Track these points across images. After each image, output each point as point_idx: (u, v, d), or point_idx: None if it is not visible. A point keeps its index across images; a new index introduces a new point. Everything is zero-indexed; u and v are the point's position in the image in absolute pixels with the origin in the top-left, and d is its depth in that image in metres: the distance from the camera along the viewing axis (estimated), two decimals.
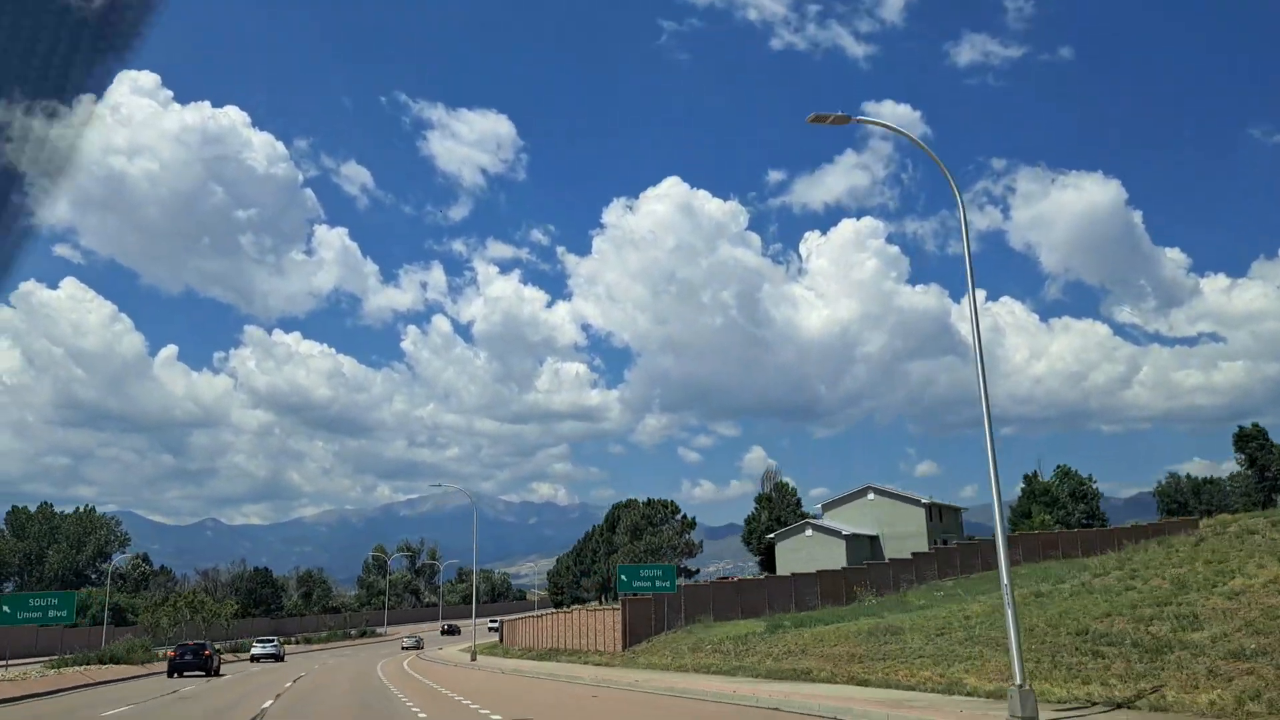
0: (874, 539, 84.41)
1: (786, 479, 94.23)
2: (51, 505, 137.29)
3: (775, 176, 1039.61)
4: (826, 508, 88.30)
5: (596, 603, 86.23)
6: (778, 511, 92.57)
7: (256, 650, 73.41)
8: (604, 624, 46.57)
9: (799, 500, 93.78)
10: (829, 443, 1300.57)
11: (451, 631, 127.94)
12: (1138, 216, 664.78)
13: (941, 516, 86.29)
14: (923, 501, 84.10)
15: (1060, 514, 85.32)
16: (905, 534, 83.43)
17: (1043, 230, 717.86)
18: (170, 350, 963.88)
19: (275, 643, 75.45)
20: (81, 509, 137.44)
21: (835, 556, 77.20)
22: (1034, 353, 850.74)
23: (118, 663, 49.64)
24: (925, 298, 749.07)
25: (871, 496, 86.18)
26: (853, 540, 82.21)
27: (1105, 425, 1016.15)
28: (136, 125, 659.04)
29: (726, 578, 77.06)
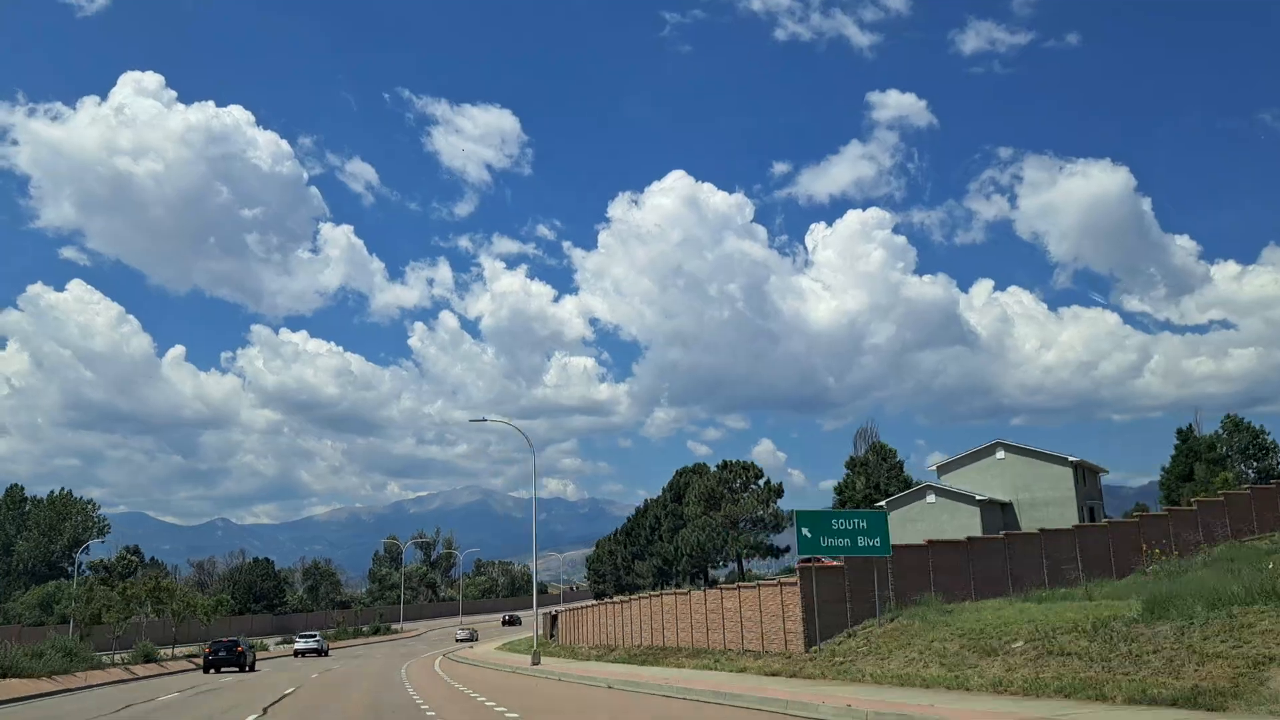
0: (1006, 506, 67.57)
1: (884, 441, 77.19)
2: (23, 488, 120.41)
3: (780, 168, 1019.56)
4: (942, 470, 71.28)
5: (683, 586, 70.17)
6: (875, 477, 75.64)
7: (299, 645, 73.12)
8: (764, 608, 29.44)
9: (900, 464, 76.88)
10: (839, 435, 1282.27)
11: (513, 622, 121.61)
12: (1147, 203, 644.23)
13: (1085, 479, 69.32)
14: (1069, 460, 67.10)
15: (1235, 473, 68.40)
16: (1045, 499, 66.79)
17: (1051, 219, 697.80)
18: (178, 350, 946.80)
19: (318, 637, 75.16)
20: (56, 492, 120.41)
21: (966, 527, 60.53)
22: (1044, 342, 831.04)
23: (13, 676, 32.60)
24: (933, 288, 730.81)
25: (1001, 455, 69.17)
26: (987, 507, 65.34)
27: (1116, 414, 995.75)
28: (141, 126, 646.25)
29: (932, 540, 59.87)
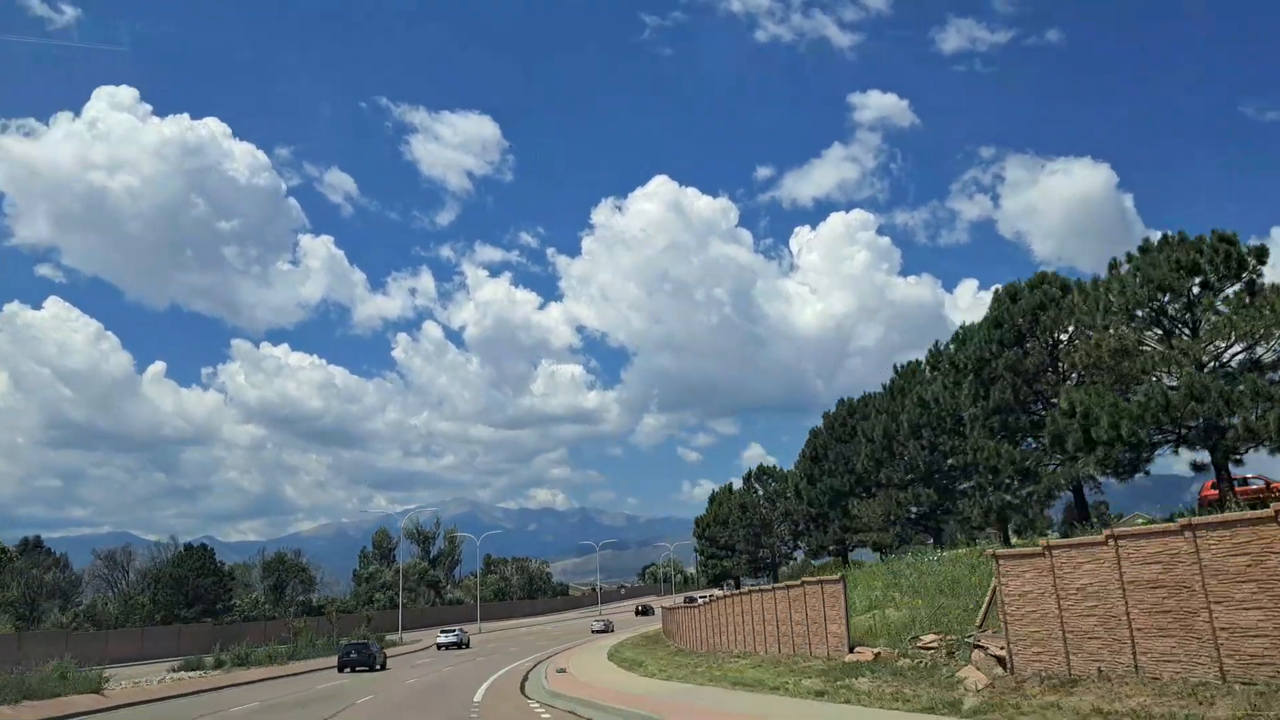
0: None
1: None
2: None
3: (764, 172, 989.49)
4: None
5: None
6: None
7: (441, 639, 71.19)
8: None
9: None
10: None
11: (646, 612, 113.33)
12: (1129, 200, 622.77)
13: None
14: None
15: None
16: None
17: (1034, 218, 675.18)
18: (158, 367, 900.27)
19: (458, 631, 73.44)
20: None
21: None
22: None
23: None
24: (918, 289, 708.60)
25: None
26: None
27: None
28: (115, 140, 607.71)
29: None
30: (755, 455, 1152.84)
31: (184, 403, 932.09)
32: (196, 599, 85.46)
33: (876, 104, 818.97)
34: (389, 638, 75.18)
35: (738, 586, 71.95)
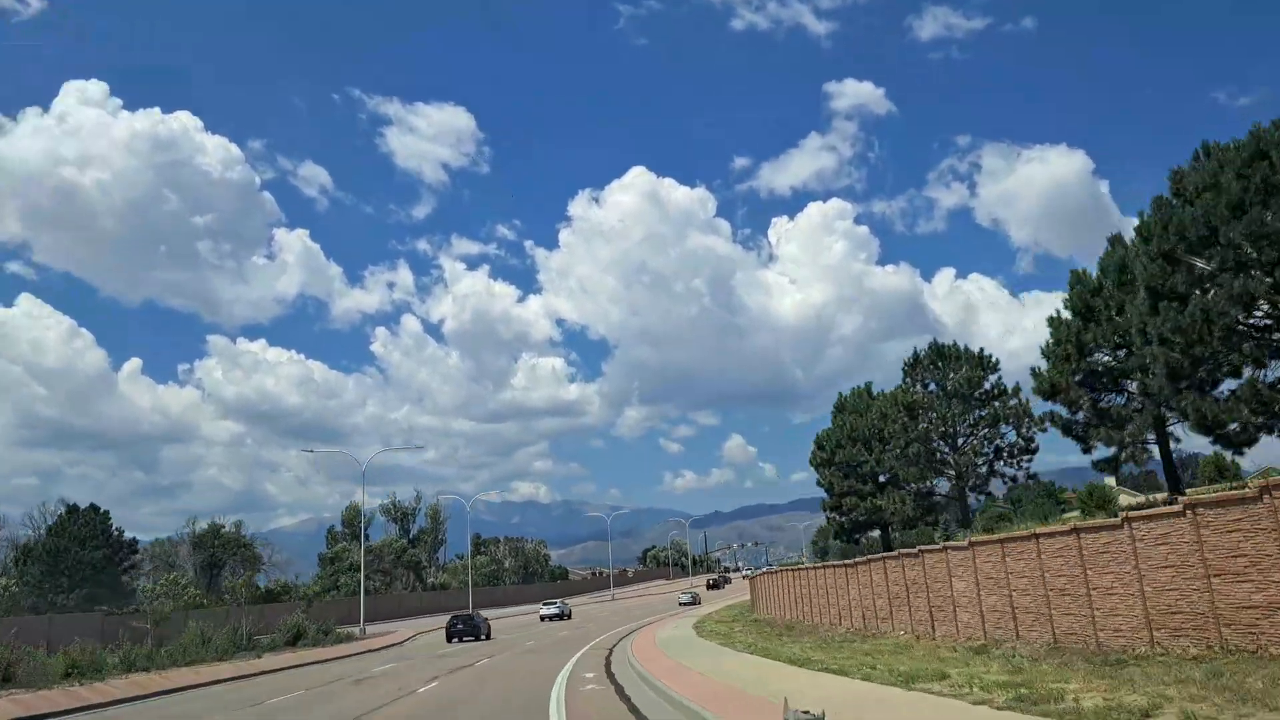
0: None
1: None
2: None
3: (741, 162, 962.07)
4: None
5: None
6: None
7: (544, 611, 70.89)
8: None
9: None
10: (808, 428, 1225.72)
11: (718, 585, 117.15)
12: (1105, 186, 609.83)
13: None
14: None
15: None
16: None
17: (1010, 206, 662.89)
18: (134, 364, 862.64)
19: (560, 604, 72.64)
20: None
21: None
22: (1008, 328, 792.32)
23: None
24: (896, 278, 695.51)
25: None
26: None
27: None
28: (86, 135, 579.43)
29: None
30: (737, 445, 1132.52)
31: (161, 400, 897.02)
32: (84, 580, 60.50)
33: (853, 92, 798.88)
34: (345, 630, 50.68)
35: (885, 544, 48.38)
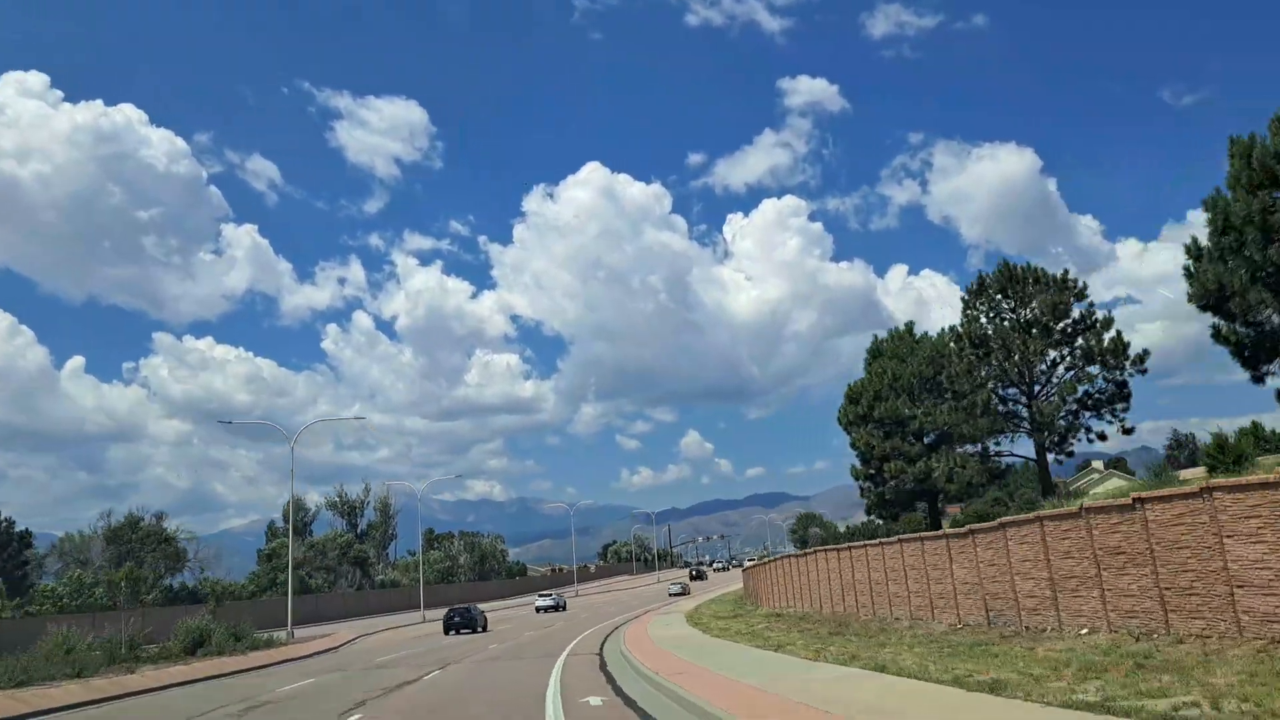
0: None
1: None
2: None
3: (696, 159, 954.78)
4: None
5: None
6: None
7: (540, 602, 70.91)
8: None
9: None
10: (764, 423, 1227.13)
11: (701, 576, 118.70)
12: (1053, 184, 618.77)
13: None
14: None
15: None
16: None
17: (962, 203, 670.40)
18: (77, 362, 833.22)
19: (554, 595, 72.82)
20: None
21: None
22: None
23: None
24: (850, 274, 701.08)
25: None
26: None
27: None
28: (25, 127, 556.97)
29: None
30: (693, 441, 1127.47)
31: (106, 399, 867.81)
32: None
33: (807, 89, 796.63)
34: (267, 635, 42.24)
35: (933, 521, 40.98)
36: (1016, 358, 33.06)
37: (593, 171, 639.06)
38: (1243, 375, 24.80)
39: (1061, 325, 33.64)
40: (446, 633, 48.37)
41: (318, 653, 38.31)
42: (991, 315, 35.56)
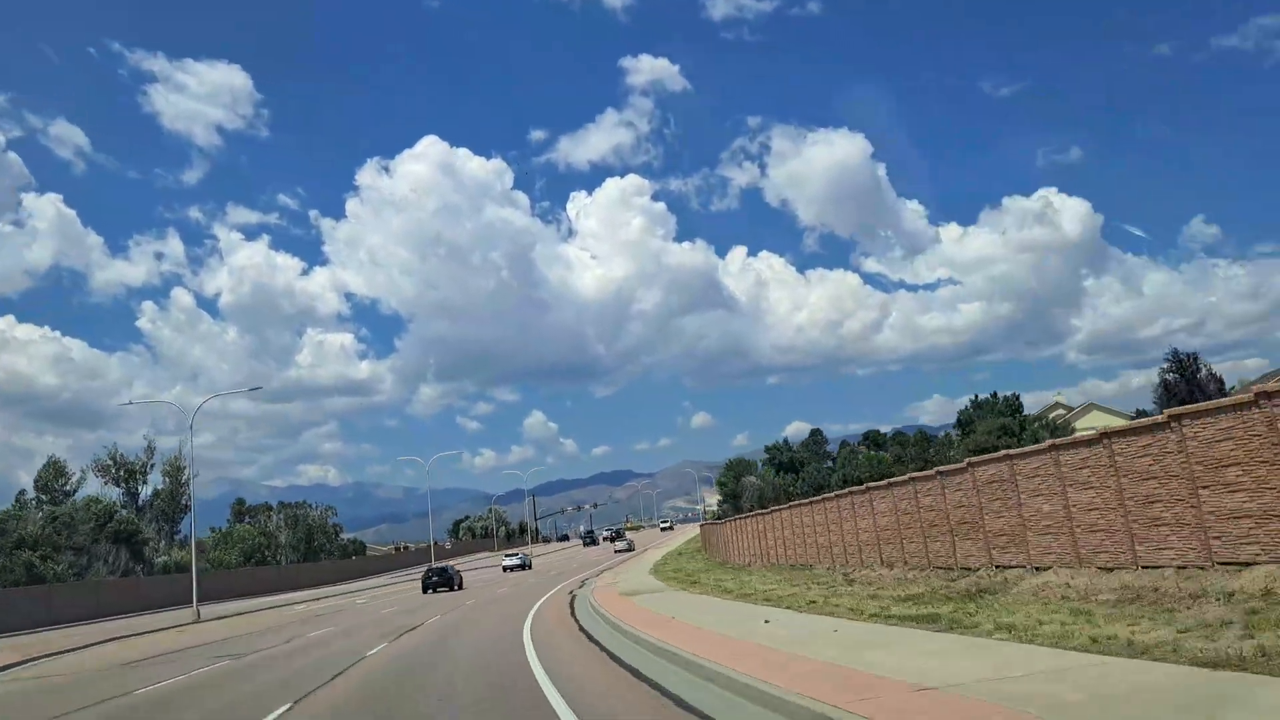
0: None
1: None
2: None
3: (538, 135, 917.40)
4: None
5: None
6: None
7: (507, 561, 76.31)
8: None
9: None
10: (610, 401, 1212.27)
11: (593, 542, 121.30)
12: (882, 170, 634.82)
13: None
14: None
15: None
16: None
17: (798, 186, 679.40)
18: None
19: (521, 555, 78.65)
20: None
21: None
22: (795, 304, 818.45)
23: None
24: (693, 255, 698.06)
25: None
26: None
27: (860, 369, 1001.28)
28: None
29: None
30: (537, 422, 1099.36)
31: None
32: None
33: (649, 68, 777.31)
34: None
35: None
36: None
37: (430, 145, 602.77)
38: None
39: None
40: (425, 591, 50.28)
41: None
42: None
